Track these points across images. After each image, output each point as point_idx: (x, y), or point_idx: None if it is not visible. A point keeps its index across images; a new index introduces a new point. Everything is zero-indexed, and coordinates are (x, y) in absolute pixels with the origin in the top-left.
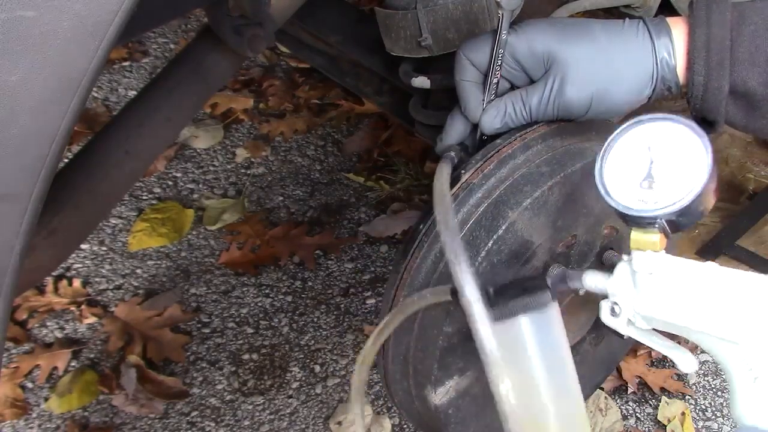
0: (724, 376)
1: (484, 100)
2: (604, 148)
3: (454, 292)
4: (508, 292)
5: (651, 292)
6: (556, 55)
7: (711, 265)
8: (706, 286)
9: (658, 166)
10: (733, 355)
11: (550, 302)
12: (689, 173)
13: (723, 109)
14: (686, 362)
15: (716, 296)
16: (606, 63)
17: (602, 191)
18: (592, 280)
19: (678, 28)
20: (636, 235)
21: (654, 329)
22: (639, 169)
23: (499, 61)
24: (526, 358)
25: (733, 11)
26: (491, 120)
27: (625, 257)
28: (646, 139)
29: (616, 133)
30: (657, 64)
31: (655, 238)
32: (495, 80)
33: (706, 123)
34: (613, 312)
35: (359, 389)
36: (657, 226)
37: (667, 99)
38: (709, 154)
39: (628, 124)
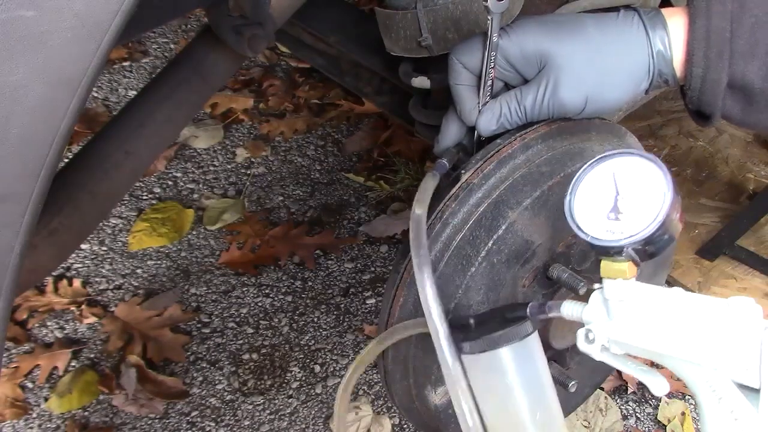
0: None
1: (479, 102)
2: (573, 183)
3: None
4: (490, 323)
5: (622, 318)
6: (549, 56)
7: (677, 291)
8: (672, 311)
9: (624, 198)
10: (698, 377)
11: (530, 332)
12: (652, 204)
13: (720, 102)
14: (658, 386)
15: (680, 320)
16: (599, 61)
17: (572, 224)
18: (569, 310)
19: (675, 19)
20: (606, 265)
21: (628, 354)
22: (606, 202)
23: (492, 64)
24: (508, 387)
25: (734, 2)
26: (487, 122)
27: (597, 286)
28: (612, 173)
29: (583, 168)
30: (653, 57)
31: (624, 266)
32: (489, 83)
33: (702, 117)
34: (587, 339)
35: (342, 414)
36: (624, 255)
37: (662, 88)
38: (670, 185)
39: (594, 159)
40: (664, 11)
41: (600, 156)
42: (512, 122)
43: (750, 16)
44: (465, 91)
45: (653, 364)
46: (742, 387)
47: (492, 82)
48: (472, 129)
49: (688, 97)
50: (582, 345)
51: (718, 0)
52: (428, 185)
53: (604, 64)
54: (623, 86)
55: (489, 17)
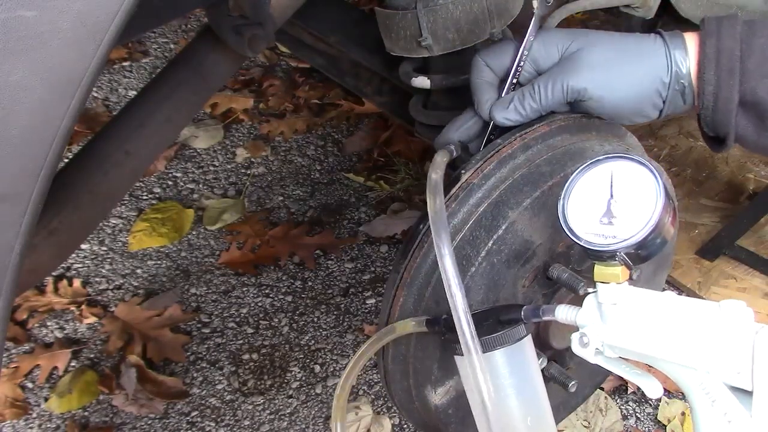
0: None
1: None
2: (566, 187)
3: (430, 323)
4: (484, 324)
5: (616, 322)
6: (571, 47)
7: (669, 295)
8: (665, 315)
9: (617, 202)
10: (692, 380)
11: (524, 335)
12: (644, 208)
13: (733, 120)
14: (652, 388)
15: (674, 324)
16: (620, 54)
17: (565, 228)
18: (564, 313)
19: (690, 41)
20: (599, 269)
21: (621, 357)
22: (599, 206)
23: (522, 63)
24: (500, 390)
25: (744, 25)
26: (501, 106)
27: (590, 290)
28: (605, 177)
29: (576, 172)
30: (670, 58)
31: (617, 270)
32: (514, 80)
33: (717, 141)
34: (581, 342)
35: (341, 408)
36: (617, 259)
37: (677, 106)
38: (661, 189)
39: (587, 163)
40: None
41: (592, 160)
42: (526, 107)
43: (760, 36)
44: (485, 85)
45: (650, 368)
46: (735, 390)
47: (517, 80)
48: (485, 129)
49: (702, 118)
50: (576, 348)
51: (728, 23)
52: (441, 157)
53: (624, 57)
54: (641, 81)
55: (534, 9)
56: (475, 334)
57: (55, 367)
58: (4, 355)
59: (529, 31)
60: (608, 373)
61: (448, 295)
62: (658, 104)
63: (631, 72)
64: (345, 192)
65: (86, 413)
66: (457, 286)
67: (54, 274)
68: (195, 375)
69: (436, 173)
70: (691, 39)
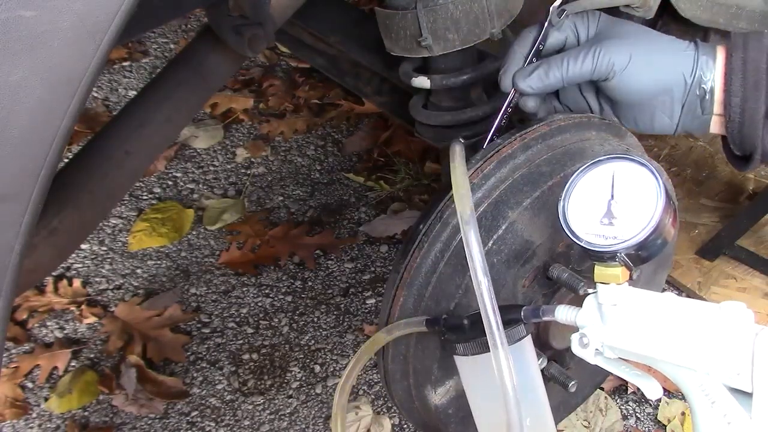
0: None
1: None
2: (566, 188)
3: (429, 323)
4: (483, 324)
5: (616, 323)
6: (614, 27)
7: (669, 296)
8: (665, 316)
9: (617, 203)
10: (692, 381)
11: (524, 336)
12: (645, 209)
13: (760, 132)
14: (651, 389)
15: (673, 325)
16: (655, 41)
17: (565, 229)
18: (563, 314)
19: (718, 54)
20: (599, 270)
21: (621, 358)
22: (599, 207)
23: (534, 55)
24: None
25: None
26: (525, 74)
27: (590, 290)
28: (606, 177)
29: (577, 172)
30: (697, 61)
31: (617, 271)
32: (534, 59)
33: (743, 159)
34: (581, 343)
35: (341, 408)
36: (618, 260)
37: (695, 110)
38: (662, 190)
39: (588, 164)
40: None
41: (593, 161)
42: (549, 76)
43: None
44: (517, 55)
45: (650, 369)
46: (735, 391)
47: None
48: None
49: (729, 132)
50: (576, 349)
51: (754, 37)
52: (458, 149)
53: (658, 46)
54: (666, 72)
55: (549, 15)
56: (503, 331)
57: (55, 367)
58: (4, 355)
59: (540, 37)
60: (608, 373)
61: (476, 289)
62: (676, 102)
63: (660, 60)
64: (345, 192)
65: (86, 413)
66: (483, 273)
67: (54, 274)
68: (195, 375)
69: (460, 170)
70: (719, 52)
